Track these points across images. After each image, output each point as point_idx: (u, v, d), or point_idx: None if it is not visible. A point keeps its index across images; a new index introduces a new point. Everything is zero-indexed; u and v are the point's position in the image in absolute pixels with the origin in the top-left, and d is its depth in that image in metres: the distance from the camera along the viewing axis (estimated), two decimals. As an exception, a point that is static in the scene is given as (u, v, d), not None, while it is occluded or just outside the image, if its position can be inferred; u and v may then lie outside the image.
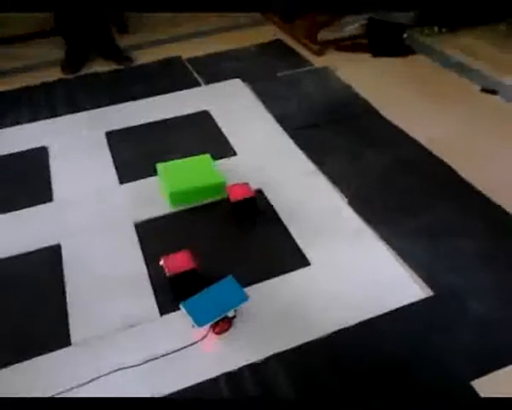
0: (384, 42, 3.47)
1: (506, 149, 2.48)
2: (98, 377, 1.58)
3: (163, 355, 1.63)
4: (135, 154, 2.63)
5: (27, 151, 2.73)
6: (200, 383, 1.56)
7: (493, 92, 2.91)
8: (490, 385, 1.49)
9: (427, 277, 1.83)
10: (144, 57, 3.65)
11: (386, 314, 1.71)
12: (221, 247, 2.04)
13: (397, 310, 1.72)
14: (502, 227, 2.04)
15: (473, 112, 2.78)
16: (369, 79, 3.17)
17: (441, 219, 2.09)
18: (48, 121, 2.97)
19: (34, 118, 3.01)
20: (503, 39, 3.13)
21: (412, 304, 1.74)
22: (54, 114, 3.03)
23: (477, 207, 2.14)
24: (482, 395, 1.46)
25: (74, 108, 3.07)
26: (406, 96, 2.97)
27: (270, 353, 1.62)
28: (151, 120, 2.89)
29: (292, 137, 2.66)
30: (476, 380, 1.50)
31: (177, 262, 1.80)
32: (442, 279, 1.82)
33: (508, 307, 1.72)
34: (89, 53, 3.64)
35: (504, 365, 1.54)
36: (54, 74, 3.46)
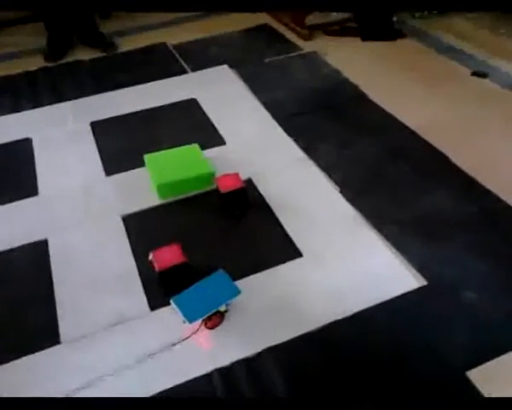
0: (373, 26, 3.42)
1: (498, 134, 2.46)
2: (88, 374, 1.55)
3: (154, 352, 1.60)
4: (121, 144, 2.58)
5: (10, 143, 2.66)
6: (192, 380, 1.53)
7: (484, 76, 2.88)
8: (485, 375, 1.48)
9: (420, 266, 1.82)
10: (128, 44, 3.57)
11: (380, 305, 1.69)
12: (211, 239, 2.00)
13: (391, 300, 1.70)
14: (495, 214, 2.02)
15: (464, 96, 2.75)
16: (358, 63, 3.13)
17: (433, 206, 2.07)
18: (31, 112, 2.90)
19: (17, 108, 2.93)
20: (493, 22, 3.10)
21: (406, 294, 1.72)
22: (37, 104, 2.96)
23: (470, 194, 2.12)
24: (478, 385, 1.45)
25: (58, 97, 3.00)
26: (396, 80, 2.94)
27: (264, 347, 1.60)
28: (137, 109, 2.83)
29: (281, 124, 2.62)
30: (471, 370, 1.49)
31: (167, 256, 1.77)
32: (435, 268, 1.81)
33: (501, 295, 1.71)
34: (72, 40, 3.54)
35: (499, 354, 1.53)
36: (36, 63, 3.38)
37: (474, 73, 2.91)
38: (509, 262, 1.82)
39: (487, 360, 1.52)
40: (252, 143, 2.51)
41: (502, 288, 1.73)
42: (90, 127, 2.71)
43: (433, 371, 1.51)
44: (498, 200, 2.07)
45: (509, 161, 2.29)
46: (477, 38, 3.10)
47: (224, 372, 1.54)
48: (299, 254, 1.91)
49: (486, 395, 1.43)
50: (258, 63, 3.23)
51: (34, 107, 2.93)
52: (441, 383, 1.48)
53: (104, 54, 3.47)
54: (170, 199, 2.20)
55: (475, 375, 1.48)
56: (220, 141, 2.55)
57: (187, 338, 1.62)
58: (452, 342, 1.58)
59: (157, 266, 1.75)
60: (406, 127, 2.53)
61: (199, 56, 3.35)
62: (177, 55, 3.39)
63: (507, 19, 3.22)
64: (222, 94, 2.92)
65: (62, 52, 3.46)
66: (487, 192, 2.11)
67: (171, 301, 1.64)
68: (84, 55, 3.47)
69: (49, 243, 2.03)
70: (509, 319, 1.63)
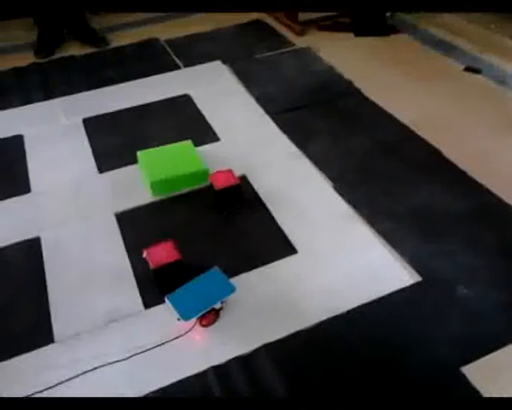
0: (366, 21, 3.42)
1: (490, 129, 2.46)
2: (83, 373, 1.55)
3: (149, 350, 1.60)
4: (114, 141, 2.56)
5: (1, 140, 2.63)
6: (187, 378, 1.53)
7: (477, 71, 2.89)
8: (480, 371, 1.48)
9: (415, 262, 1.82)
10: (120, 40, 3.55)
11: (374, 301, 1.69)
12: (205, 236, 1.99)
13: (385, 297, 1.70)
14: (488, 209, 2.03)
15: (457, 91, 2.76)
16: (351, 59, 3.12)
17: (427, 201, 2.08)
18: (22, 108, 2.87)
19: (7, 105, 2.90)
20: (486, 17, 3.11)
21: (400, 290, 1.73)
22: (28, 100, 2.93)
23: (463, 189, 2.12)
24: (472, 381, 1.46)
25: (49, 93, 2.97)
26: (390, 76, 2.94)
27: (259, 344, 1.59)
28: (130, 105, 2.81)
29: (275, 120, 2.61)
30: (466, 366, 1.49)
31: (161, 254, 1.76)
32: (430, 264, 1.81)
33: (496, 290, 1.71)
34: (63, 36, 3.51)
35: (494, 349, 1.54)
36: (26, 58, 3.34)
37: (467, 69, 2.92)
38: (502, 256, 1.82)
39: (482, 355, 1.52)
40: (245, 139, 2.50)
41: (496, 282, 1.74)
42: (82, 124, 2.69)
43: (427, 367, 1.52)
44: (491, 194, 2.08)
45: (502, 155, 2.30)
46: (469, 33, 3.11)
47: (220, 370, 1.54)
48: (294, 251, 1.90)
49: (481, 391, 1.43)
50: (251, 59, 3.22)
51: (25, 103, 2.90)
52: (436, 379, 1.49)
53: (96, 49, 3.44)
54: (163, 196, 2.19)
55: (470, 370, 1.48)
56: (214, 137, 2.54)
57: (182, 336, 1.61)
58: (447, 337, 1.58)
59: (151, 264, 1.74)
60: (400, 122, 2.54)
61: (192, 52, 3.33)
62: (170, 51, 3.37)
63: (496, 14, 3.22)
64: (215, 90, 2.91)
65: (53, 47, 3.43)
66: (480, 187, 2.12)
67: (166, 299, 1.63)
68: (76, 50, 3.43)
69: (42, 241, 2.01)
70: (504, 313, 1.64)
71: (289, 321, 1.65)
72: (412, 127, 2.49)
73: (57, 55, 3.39)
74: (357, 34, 3.38)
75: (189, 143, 2.35)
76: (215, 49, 3.33)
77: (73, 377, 1.54)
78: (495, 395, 1.43)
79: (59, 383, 1.53)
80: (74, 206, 2.18)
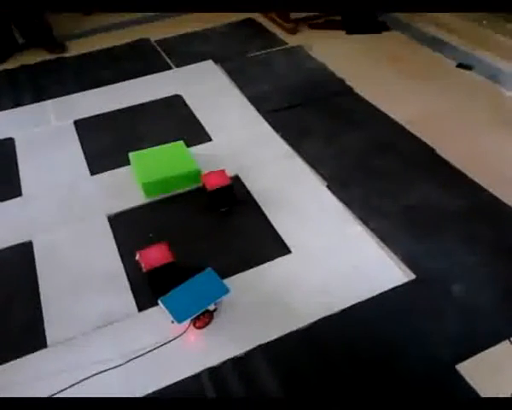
0: (358, 19, 3.42)
1: (484, 126, 2.47)
2: (78, 379, 1.53)
3: (143, 353, 1.58)
4: (106, 143, 2.54)
5: (-8, 143, 2.61)
6: (182, 380, 1.52)
7: (469, 68, 2.89)
8: (475, 368, 1.48)
9: (409, 260, 1.82)
10: (112, 40, 3.52)
11: (369, 300, 1.69)
12: (198, 237, 1.98)
13: (380, 295, 1.70)
14: (483, 207, 2.02)
15: (449, 88, 2.76)
16: (344, 57, 3.12)
17: (421, 199, 2.07)
18: (12, 111, 2.85)
19: (-3, 107, 2.88)
20: (478, 14, 3.11)
21: (395, 288, 1.72)
22: (18, 102, 2.90)
23: (457, 187, 2.12)
24: (467, 378, 1.45)
25: (39, 96, 2.95)
26: (382, 73, 2.93)
27: (253, 345, 1.59)
28: (121, 106, 2.80)
29: (267, 119, 2.61)
30: (461, 363, 1.49)
31: (154, 256, 1.74)
32: (424, 262, 1.81)
33: (490, 287, 1.71)
34: (16, 43, 3.41)
35: (488, 346, 1.53)
36: (15, 61, 3.32)
37: (460, 65, 2.92)
38: (496, 254, 1.82)
39: (477, 352, 1.52)
40: (238, 139, 2.49)
41: (490, 280, 1.74)
42: (73, 126, 2.67)
43: (422, 365, 1.51)
44: (485, 192, 2.08)
45: (496, 153, 2.30)
46: (460, 29, 3.11)
47: (214, 372, 1.53)
48: (288, 251, 1.90)
49: (476, 388, 1.43)
50: (243, 58, 3.21)
51: (15, 106, 2.88)
52: (431, 377, 1.48)
53: (54, 56, 3.34)
54: (156, 197, 2.17)
55: (465, 368, 1.48)
56: (206, 137, 2.52)
57: (176, 339, 1.60)
58: (442, 335, 1.58)
59: (144, 266, 1.73)
60: (392, 120, 2.53)
61: (183, 52, 3.32)
62: (161, 51, 3.36)
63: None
64: (207, 89, 2.90)
65: (5, 55, 3.34)
66: (474, 184, 2.12)
67: (159, 302, 1.62)
68: (66, 52, 3.41)
69: (34, 245, 1.99)
70: (497, 310, 1.64)
71: (284, 321, 1.65)
72: (405, 125, 2.49)
73: (47, 57, 3.36)
74: (349, 32, 3.38)
75: (181, 143, 2.34)
76: (207, 49, 3.32)
77: (66, 380, 1.52)
78: (490, 391, 1.43)
79: (52, 387, 1.51)
80: (66, 209, 2.16)
